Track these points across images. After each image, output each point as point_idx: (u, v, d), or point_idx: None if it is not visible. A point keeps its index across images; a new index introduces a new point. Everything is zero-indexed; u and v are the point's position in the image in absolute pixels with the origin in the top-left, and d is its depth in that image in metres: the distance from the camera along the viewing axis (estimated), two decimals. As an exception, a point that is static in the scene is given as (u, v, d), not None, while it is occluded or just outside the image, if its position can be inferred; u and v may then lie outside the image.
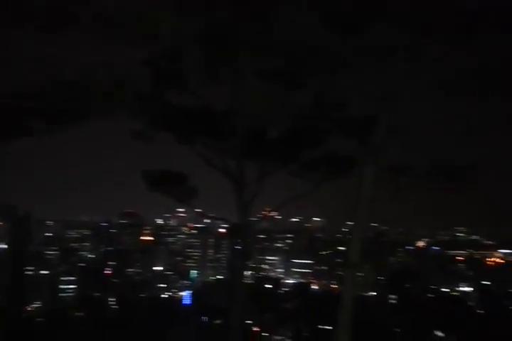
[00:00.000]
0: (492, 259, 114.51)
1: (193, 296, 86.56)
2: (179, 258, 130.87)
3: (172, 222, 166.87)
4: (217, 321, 65.19)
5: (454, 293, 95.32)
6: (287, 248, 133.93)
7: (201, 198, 11.13)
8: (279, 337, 70.33)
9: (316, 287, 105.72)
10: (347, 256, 9.05)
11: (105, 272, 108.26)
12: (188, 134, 10.33)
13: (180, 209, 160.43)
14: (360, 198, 8.93)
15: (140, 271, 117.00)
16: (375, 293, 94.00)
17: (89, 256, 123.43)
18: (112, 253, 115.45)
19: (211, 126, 10.20)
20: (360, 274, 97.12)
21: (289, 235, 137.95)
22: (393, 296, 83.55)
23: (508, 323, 64.11)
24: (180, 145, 10.51)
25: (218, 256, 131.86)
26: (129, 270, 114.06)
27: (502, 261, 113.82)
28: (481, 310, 79.64)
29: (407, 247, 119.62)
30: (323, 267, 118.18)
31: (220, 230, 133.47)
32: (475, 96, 9.42)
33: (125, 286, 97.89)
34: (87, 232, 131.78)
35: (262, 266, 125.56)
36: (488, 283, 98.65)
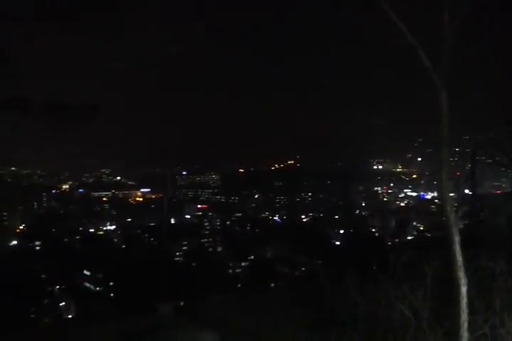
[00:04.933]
0: (133, 198, 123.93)
1: None
2: None
3: None
4: None
5: (100, 233, 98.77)
6: None
7: None
8: None
9: None
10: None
11: None
12: None
13: None
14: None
15: None
16: (16, 242, 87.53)
17: None
18: None
19: None
20: None
21: None
22: (38, 243, 79.93)
23: (142, 251, 70.86)
24: None
25: None
26: None
27: (141, 199, 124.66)
28: (123, 244, 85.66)
29: (52, 191, 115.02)
30: None
31: None
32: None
33: None
34: None
35: None
36: (129, 219, 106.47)
